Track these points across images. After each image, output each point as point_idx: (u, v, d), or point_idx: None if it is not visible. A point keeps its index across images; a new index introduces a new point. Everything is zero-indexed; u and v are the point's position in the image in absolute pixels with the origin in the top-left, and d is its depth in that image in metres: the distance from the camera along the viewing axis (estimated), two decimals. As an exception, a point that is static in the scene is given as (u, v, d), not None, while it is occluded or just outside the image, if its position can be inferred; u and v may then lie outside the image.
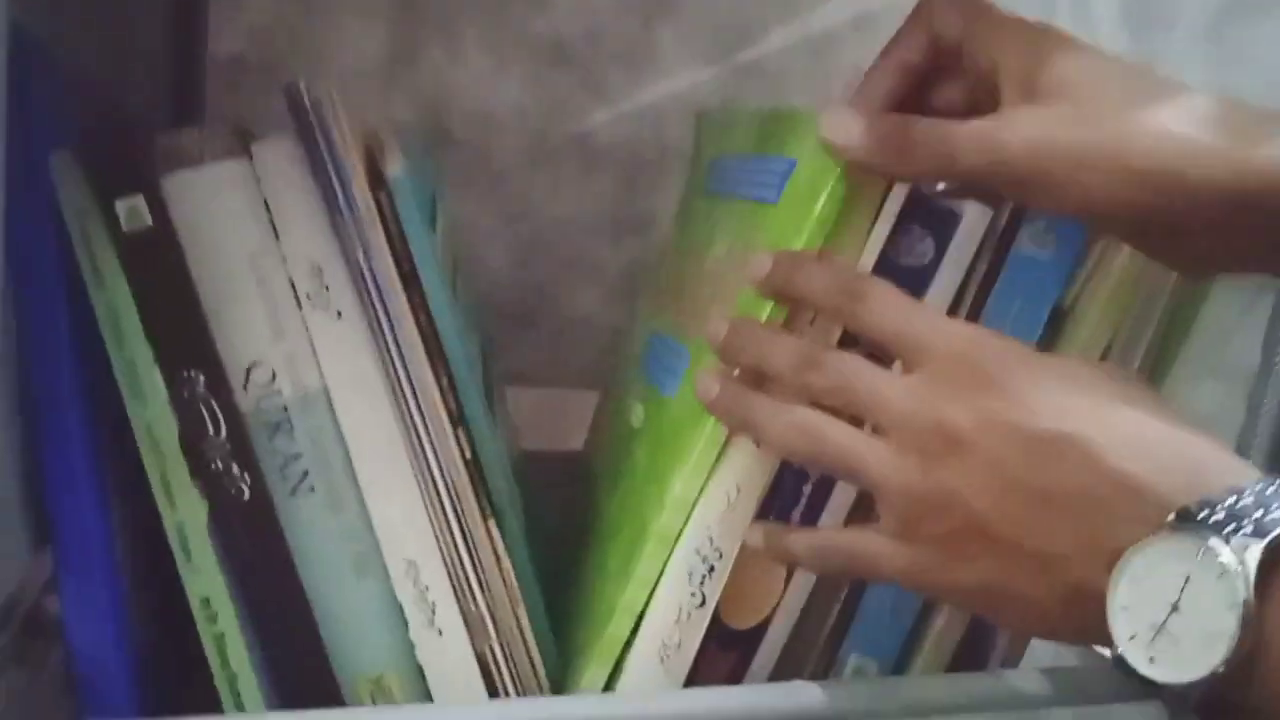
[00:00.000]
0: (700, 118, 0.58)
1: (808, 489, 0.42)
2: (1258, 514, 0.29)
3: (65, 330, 0.37)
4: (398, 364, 0.39)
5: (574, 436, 0.63)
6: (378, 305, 0.39)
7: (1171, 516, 0.30)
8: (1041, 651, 0.48)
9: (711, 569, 0.41)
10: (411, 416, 0.39)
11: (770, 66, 0.67)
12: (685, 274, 0.51)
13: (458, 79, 0.65)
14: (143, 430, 0.39)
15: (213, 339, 0.39)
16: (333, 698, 0.41)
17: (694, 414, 0.41)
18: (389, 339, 0.39)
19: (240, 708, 0.40)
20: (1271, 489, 0.30)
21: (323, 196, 0.38)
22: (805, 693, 0.42)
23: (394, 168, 0.39)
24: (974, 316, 0.41)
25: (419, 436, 0.40)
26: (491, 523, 0.41)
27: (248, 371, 0.39)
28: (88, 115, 0.42)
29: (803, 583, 0.43)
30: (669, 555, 0.41)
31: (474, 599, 0.41)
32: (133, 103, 0.51)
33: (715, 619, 0.42)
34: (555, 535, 0.54)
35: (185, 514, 0.39)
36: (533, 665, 0.42)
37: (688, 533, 0.41)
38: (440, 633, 0.41)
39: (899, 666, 0.46)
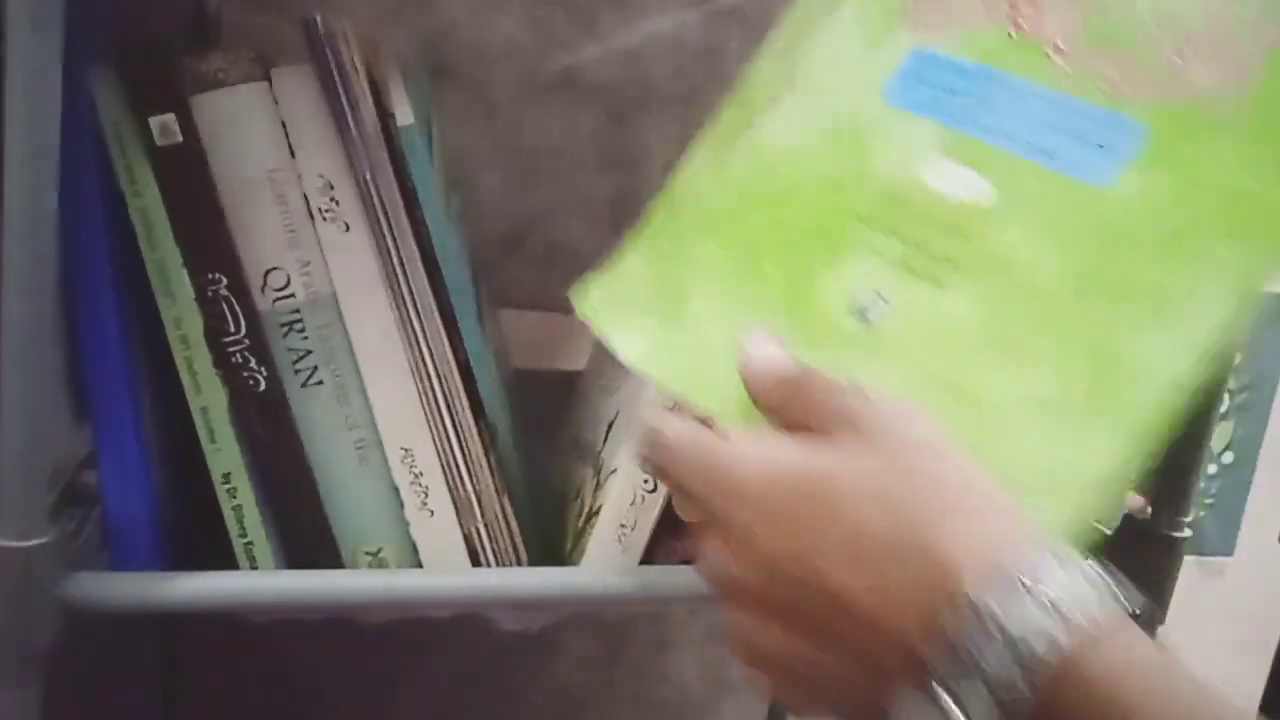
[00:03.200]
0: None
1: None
2: (996, 657, 0.25)
3: (103, 232, 0.42)
4: (399, 273, 0.44)
5: (560, 358, 0.68)
6: (382, 220, 0.43)
7: (924, 676, 0.27)
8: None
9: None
10: (410, 320, 0.44)
11: (751, 12, 0.71)
12: None
13: (455, 14, 0.69)
14: (171, 324, 0.44)
15: (234, 245, 0.43)
16: (335, 567, 0.46)
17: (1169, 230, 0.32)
18: (391, 250, 0.44)
19: (254, 568, 0.45)
20: (1010, 616, 0.25)
21: (334, 120, 0.42)
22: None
23: (404, 117, 0.42)
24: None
25: (416, 338, 0.44)
26: (483, 419, 0.46)
27: (265, 275, 0.44)
28: (119, 34, 0.46)
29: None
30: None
31: (463, 484, 0.46)
32: (155, 23, 0.55)
33: (670, 511, 0.48)
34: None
35: (209, 399, 0.44)
36: (513, 543, 0.47)
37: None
38: (432, 513, 0.46)
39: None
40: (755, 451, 0.31)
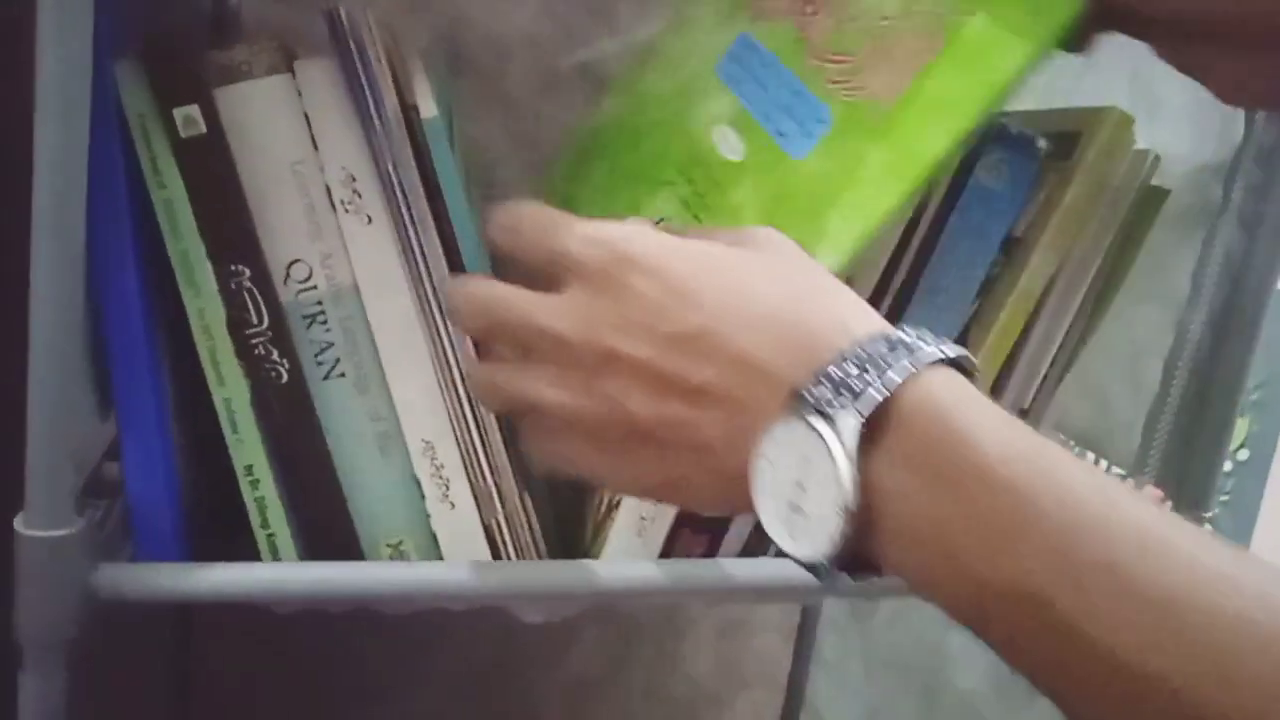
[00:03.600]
0: None
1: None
2: (856, 383, 0.29)
3: (128, 224, 0.42)
4: (420, 265, 0.44)
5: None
6: (404, 211, 0.43)
7: (787, 399, 0.31)
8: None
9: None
10: (432, 312, 0.44)
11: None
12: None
13: (472, 6, 0.69)
14: (195, 315, 0.44)
15: (257, 237, 0.43)
16: (356, 559, 0.47)
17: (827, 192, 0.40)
18: (413, 242, 0.44)
19: (276, 560, 0.45)
20: (872, 349, 0.30)
21: (357, 112, 0.42)
22: (767, 566, 0.48)
23: (428, 109, 0.42)
24: (930, 243, 0.46)
25: (438, 330, 0.45)
26: (500, 409, 0.46)
27: (288, 267, 0.44)
28: (143, 27, 0.46)
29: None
30: None
31: (483, 477, 0.46)
32: (178, 16, 0.55)
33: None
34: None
35: (232, 391, 0.44)
36: (532, 535, 0.47)
37: None
38: (453, 505, 0.46)
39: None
40: (661, 236, 0.35)
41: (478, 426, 0.46)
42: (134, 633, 0.67)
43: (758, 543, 0.50)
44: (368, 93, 0.42)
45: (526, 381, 0.36)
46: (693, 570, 0.46)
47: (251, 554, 0.45)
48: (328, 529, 0.46)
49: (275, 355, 0.45)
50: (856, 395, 0.29)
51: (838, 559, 0.30)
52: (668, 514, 0.47)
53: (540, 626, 0.84)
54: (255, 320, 0.44)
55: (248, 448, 0.45)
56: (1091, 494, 0.27)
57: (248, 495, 0.45)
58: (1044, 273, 0.48)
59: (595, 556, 0.47)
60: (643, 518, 0.47)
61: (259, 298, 0.44)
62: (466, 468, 0.46)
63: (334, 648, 0.80)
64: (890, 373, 0.29)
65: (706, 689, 0.92)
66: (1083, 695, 0.27)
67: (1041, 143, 0.46)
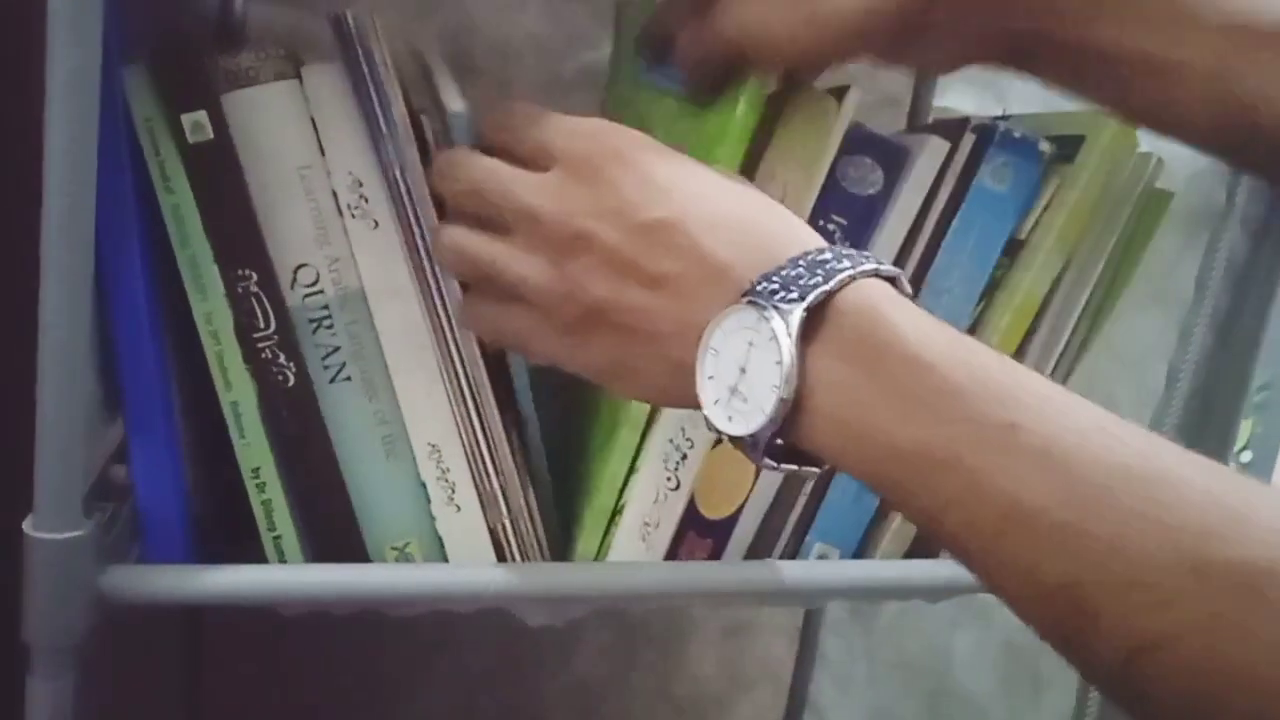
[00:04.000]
0: (621, 4, 0.58)
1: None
2: (804, 280, 0.32)
3: (136, 228, 0.42)
4: (427, 269, 0.44)
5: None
6: (411, 216, 0.44)
7: (738, 290, 0.34)
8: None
9: (684, 456, 0.46)
10: (438, 316, 0.45)
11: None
12: None
13: (478, 10, 0.69)
14: (202, 320, 0.44)
15: (264, 242, 0.44)
16: (362, 561, 0.47)
17: None
18: (419, 247, 0.44)
19: (283, 563, 0.46)
20: (820, 257, 0.33)
21: (364, 117, 0.43)
22: (771, 570, 0.49)
23: (454, 104, 0.42)
24: (934, 245, 0.46)
25: (444, 334, 0.45)
26: (509, 414, 0.46)
27: (295, 272, 0.44)
28: (151, 33, 0.46)
29: (771, 476, 0.49)
30: (641, 440, 0.46)
31: (489, 480, 0.46)
32: (186, 22, 0.55)
33: (693, 509, 0.48)
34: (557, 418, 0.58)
35: (239, 394, 0.44)
36: (537, 538, 0.47)
37: (660, 421, 0.46)
38: (458, 508, 0.47)
39: (859, 556, 0.51)
40: (640, 135, 0.38)
41: (483, 430, 0.46)
42: (142, 635, 0.67)
43: (762, 547, 0.50)
44: (375, 98, 0.42)
45: (495, 249, 0.38)
46: (697, 573, 0.47)
47: (258, 556, 0.46)
48: (334, 532, 0.46)
49: (282, 359, 0.45)
50: (802, 292, 0.32)
51: (768, 444, 0.33)
52: (673, 518, 0.47)
53: (545, 629, 0.84)
54: (262, 324, 0.44)
55: (254, 451, 0.45)
56: (997, 369, 0.30)
57: (254, 498, 0.45)
58: (1047, 276, 0.48)
59: (600, 560, 0.47)
60: (646, 523, 0.47)
61: (266, 302, 0.44)
62: (472, 470, 0.46)
63: (340, 652, 0.81)
64: (833, 276, 0.32)
65: (710, 690, 0.92)
66: (986, 545, 0.29)
67: (1045, 146, 0.46)
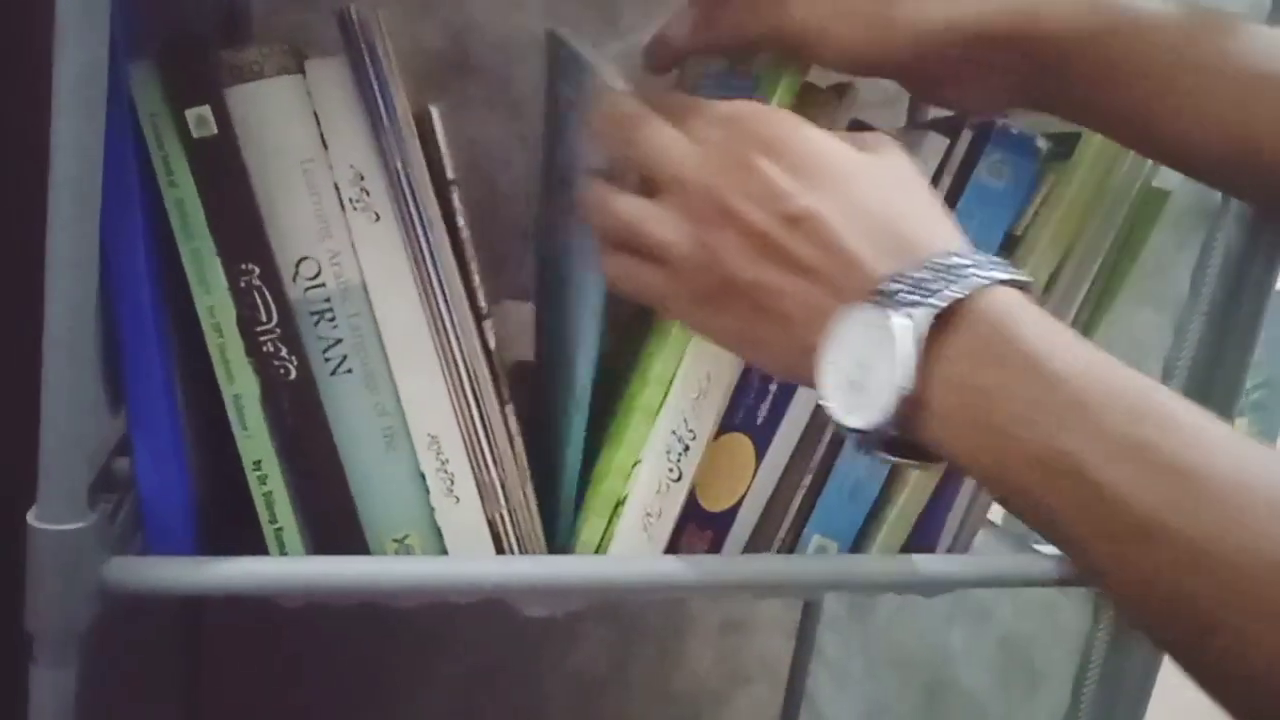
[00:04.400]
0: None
1: (773, 387, 0.48)
2: (935, 285, 0.34)
3: (140, 221, 0.42)
4: (428, 263, 0.44)
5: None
6: (412, 210, 0.44)
7: (872, 287, 0.35)
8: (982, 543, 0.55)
9: (686, 448, 0.47)
10: (439, 309, 0.45)
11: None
12: None
13: (478, 9, 0.69)
14: (205, 313, 0.44)
15: (267, 235, 0.44)
16: (362, 553, 0.47)
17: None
18: (420, 240, 0.44)
19: (284, 554, 0.46)
20: (956, 262, 0.34)
21: (367, 111, 0.43)
22: (769, 563, 0.49)
23: (615, 84, 0.43)
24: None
25: (445, 327, 0.45)
26: (509, 407, 0.47)
27: (297, 265, 0.45)
28: (155, 28, 0.47)
29: (771, 469, 0.49)
30: (650, 429, 0.46)
31: (488, 471, 0.47)
32: (190, 17, 0.56)
33: (693, 501, 0.48)
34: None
35: (241, 387, 0.45)
36: (535, 530, 0.48)
37: (665, 411, 0.46)
38: (457, 500, 0.47)
39: (856, 549, 0.52)
40: (796, 123, 0.39)
41: (482, 422, 0.46)
42: (144, 626, 0.68)
43: (761, 539, 0.50)
44: (377, 93, 0.43)
45: (642, 211, 0.40)
46: (696, 565, 0.47)
47: (259, 548, 0.46)
48: (334, 523, 0.47)
49: (284, 352, 0.45)
50: (932, 295, 0.33)
51: (884, 437, 0.34)
52: (673, 511, 0.48)
53: (544, 624, 0.84)
54: (265, 318, 0.45)
55: (256, 443, 0.45)
56: (1127, 384, 0.31)
57: (256, 490, 0.46)
58: (1044, 272, 0.48)
59: (602, 552, 0.48)
60: (649, 513, 0.47)
61: (268, 295, 0.44)
62: (471, 462, 0.47)
63: (338, 648, 0.81)
64: (964, 281, 0.34)
65: (708, 686, 0.93)
66: (1106, 554, 0.31)
67: (1042, 142, 0.46)
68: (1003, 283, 0.34)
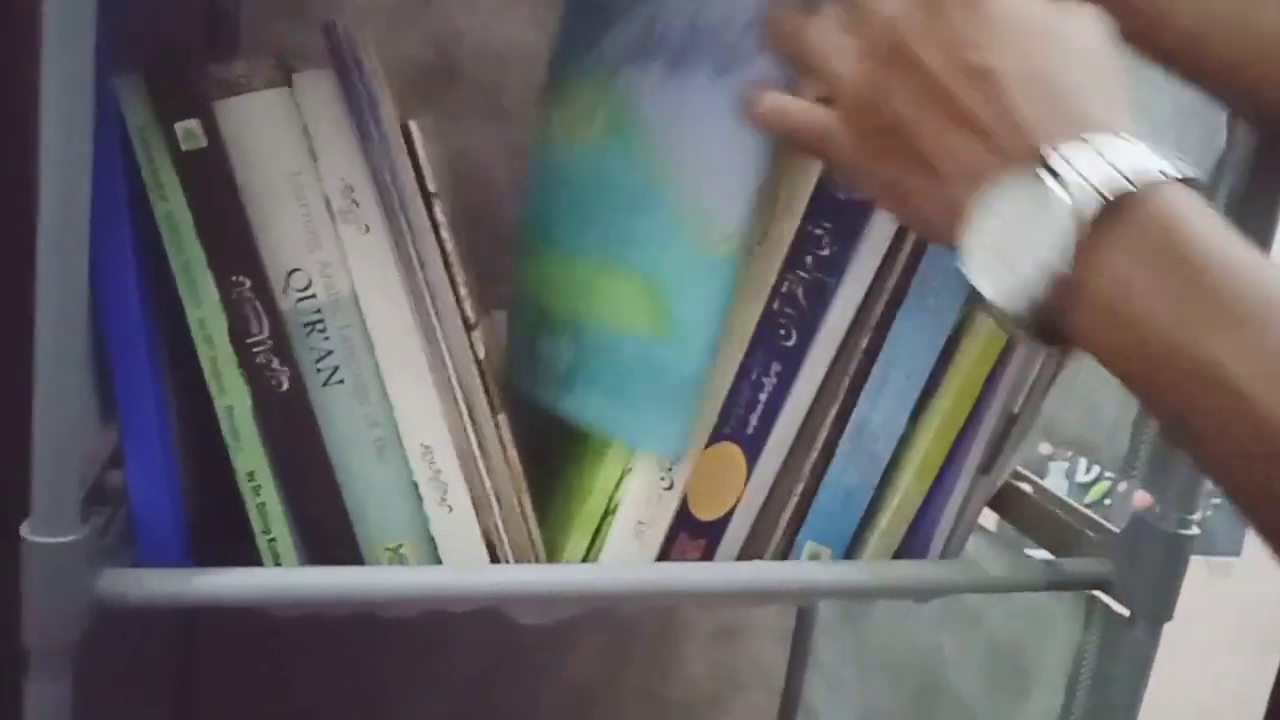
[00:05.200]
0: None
1: (763, 397, 0.48)
2: (1105, 170, 0.32)
3: (130, 236, 0.43)
4: (419, 273, 0.45)
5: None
6: (401, 221, 0.44)
7: (1037, 156, 0.33)
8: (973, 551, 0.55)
9: (678, 456, 0.47)
10: (430, 320, 0.45)
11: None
12: None
13: (465, 18, 0.70)
14: (196, 325, 0.44)
15: (257, 247, 0.44)
16: (356, 563, 0.47)
17: None
18: (410, 251, 0.44)
19: (278, 565, 0.46)
20: (1128, 150, 0.33)
21: (356, 124, 0.43)
22: (762, 570, 0.49)
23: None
24: (921, 246, 0.47)
25: (436, 337, 0.45)
26: (500, 416, 0.47)
27: (287, 277, 0.45)
28: (144, 42, 0.47)
29: (762, 478, 0.49)
30: None
31: (482, 481, 0.47)
32: (178, 31, 0.56)
33: (685, 510, 0.49)
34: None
35: (233, 399, 0.45)
36: (530, 539, 0.48)
37: None
38: (451, 509, 0.47)
39: (849, 555, 0.52)
40: None
41: (475, 431, 0.46)
42: (137, 638, 0.68)
43: (754, 547, 0.50)
44: (365, 104, 0.43)
45: (828, 41, 0.39)
46: (689, 573, 0.47)
47: (253, 559, 0.46)
48: (328, 534, 0.47)
49: (276, 363, 0.45)
50: (1099, 177, 0.32)
51: (1028, 318, 0.33)
52: (665, 518, 0.48)
53: (538, 632, 0.84)
54: (256, 329, 0.45)
55: (249, 454, 0.45)
56: None
57: (249, 501, 0.46)
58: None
59: (593, 560, 0.48)
60: (641, 522, 0.47)
61: (259, 307, 0.45)
62: (465, 473, 0.47)
63: (334, 654, 0.81)
64: (1135, 170, 0.32)
65: (703, 692, 0.93)
66: (1235, 460, 0.30)
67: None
68: (1173, 178, 0.33)
